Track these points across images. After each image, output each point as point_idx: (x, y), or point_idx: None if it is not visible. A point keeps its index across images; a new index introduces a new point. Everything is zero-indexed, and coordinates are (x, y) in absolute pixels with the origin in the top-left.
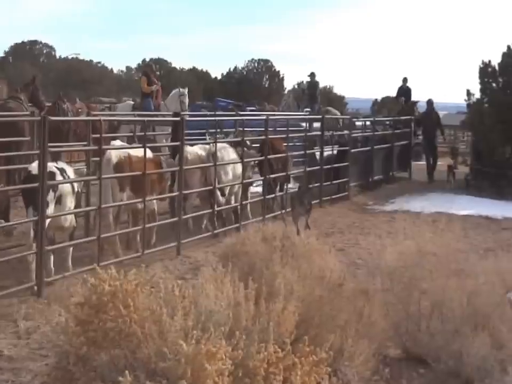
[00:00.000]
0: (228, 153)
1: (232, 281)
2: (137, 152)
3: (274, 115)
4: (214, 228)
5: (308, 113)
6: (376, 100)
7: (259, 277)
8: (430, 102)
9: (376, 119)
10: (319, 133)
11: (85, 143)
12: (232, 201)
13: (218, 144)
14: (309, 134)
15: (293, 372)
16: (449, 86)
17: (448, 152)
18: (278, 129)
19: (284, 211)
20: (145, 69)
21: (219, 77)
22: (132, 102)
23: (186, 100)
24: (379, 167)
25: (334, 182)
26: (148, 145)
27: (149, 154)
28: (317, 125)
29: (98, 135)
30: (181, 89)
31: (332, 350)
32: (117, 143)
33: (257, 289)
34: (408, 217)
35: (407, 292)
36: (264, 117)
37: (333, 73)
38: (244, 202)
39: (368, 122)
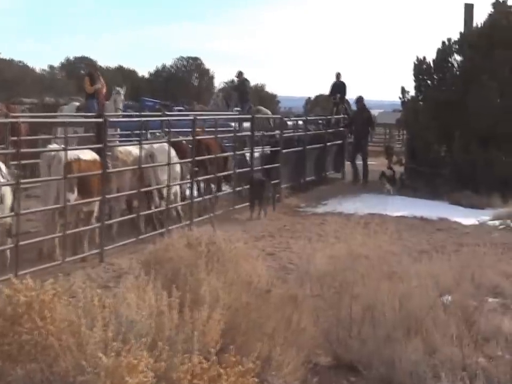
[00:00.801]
0: (166, 152)
1: (155, 289)
2: (85, 154)
3: (202, 115)
4: (152, 229)
5: (237, 112)
6: (309, 98)
7: (183, 284)
8: (360, 99)
9: (308, 118)
10: (249, 133)
11: (2, 145)
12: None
13: (156, 144)
14: (238, 134)
15: (219, 383)
16: (384, 83)
17: (383, 152)
18: (207, 129)
19: (212, 214)
20: (89, 68)
21: (146, 76)
22: (77, 103)
23: (120, 99)
24: (311, 168)
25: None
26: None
27: (95, 156)
28: (247, 124)
29: (16, 138)
30: (116, 88)
31: (259, 359)
32: (53, 146)
33: (181, 297)
34: (340, 220)
35: (338, 297)
36: (192, 117)
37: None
38: (175, 205)
39: (300, 122)
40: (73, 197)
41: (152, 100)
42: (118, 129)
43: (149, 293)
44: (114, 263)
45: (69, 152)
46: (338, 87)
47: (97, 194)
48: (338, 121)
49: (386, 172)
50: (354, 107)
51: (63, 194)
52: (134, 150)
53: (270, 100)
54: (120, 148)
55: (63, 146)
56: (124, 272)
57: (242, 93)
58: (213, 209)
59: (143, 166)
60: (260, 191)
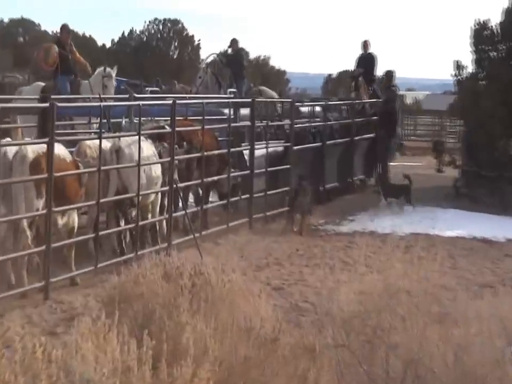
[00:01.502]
0: (142, 148)
1: (120, 337)
2: (57, 149)
3: (185, 98)
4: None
5: (232, 95)
6: (329, 76)
7: (159, 331)
8: (389, 75)
9: (329, 102)
10: (248, 123)
11: None
12: (149, 216)
13: (129, 137)
14: (234, 124)
15: None
16: (432, 57)
17: (431, 149)
18: (191, 118)
19: (198, 234)
20: (60, 32)
21: (108, 45)
22: (42, 84)
23: (112, 84)
24: (333, 171)
25: (270, 192)
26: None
27: (64, 152)
28: (245, 111)
29: None
30: (106, 69)
31: None
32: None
33: (156, 347)
34: (372, 241)
35: (370, 347)
36: (170, 101)
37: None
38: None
39: (318, 108)
40: (40, 205)
41: (116, 78)
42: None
43: (112, 341)
44: (64, 300)
45: (34, 146)
46: (365, 61)
47: (75, 203)
48: (366, 107)
49: (385, 178)
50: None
51: (30, 202)
52: (107, 144)
53: (276, 78)
54: (89, 142)
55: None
56: (78, 314)
57: (237, 68)
58: (199, 226)
59: (105, 166)
60: (303, 200)
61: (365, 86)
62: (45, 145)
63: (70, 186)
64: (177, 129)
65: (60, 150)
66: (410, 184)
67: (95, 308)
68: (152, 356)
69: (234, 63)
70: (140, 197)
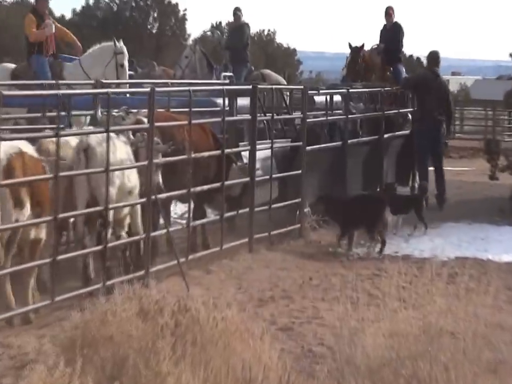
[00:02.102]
0: (114, 148)
1: None
2: (25, 145)
3: (167, 85)
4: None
5: (228, 80)
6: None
7: (133, 383)
8: (433, 57)
9: (351, 89)
10: (248, 116)
11: None
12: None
13: (98, 134)
14: (229, 118)
15: None
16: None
17: (482, 149)
18: (175, 110)
19: (183, 259)
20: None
21: (68, 16)
22: (11, 65)
23: (126, 63)
24: (357, 178)
25: (276, 205)
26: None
27: (31, 151)
28: (244, 102)
29: None
30: (117, 44)
31: None
32: None
33: None
34: (407, 268)
35: None
36: (148, 89)
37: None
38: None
39: (337, 97)
40: (23, 216)
41: (76, 57)
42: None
43: None
44: (12, 344)
45: (6, 148)
46: (387, 34)
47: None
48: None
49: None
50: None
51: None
52: (75, 141)
53: (284, 59)
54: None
55: None
56: (30, 361)
57: (239, 49)
58: (186, 249)
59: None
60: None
61: (384, 67)
62: (15, 145)
63: (45, 192)
64: (158, 124)
65: (27, 148)
66: (424, 195)
67: (52, 353)
68: None
69: (235, 42)
70: (112, 210)
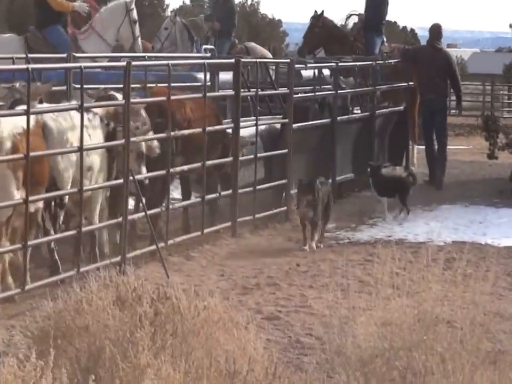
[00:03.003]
0: (70, 125)
1: None
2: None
3: (142, 58)
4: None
5: (210, 54)
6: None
7: (110, 376)
8: (434, 30)
9: (340, 63)
10: (231, 92)
11: None
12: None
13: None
14: (211, 94)
15: None
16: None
17: (480, 126)
18: (152, 85)
19: (162, 244)
20: None
21: None
22: (17, 36)
23: (139, 35)
24: (347, 158)
25: (261, 186)
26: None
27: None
28: (227, 76)
29: None
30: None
31: None
32: None
33: None
34: (401, 253)
35: None
36: (124, 63)
37: None
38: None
39: (326, 71)
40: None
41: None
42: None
43: None
44: None
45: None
46: (371, 2)
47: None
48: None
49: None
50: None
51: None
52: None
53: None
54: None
55: None
56: None
57: (226, 23)
58: (165, 233)
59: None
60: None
61: (356, 37)
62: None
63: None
64: (134, 100)
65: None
66: (412, 179)
67: (23, 345)
68: None
69: (222, 15)
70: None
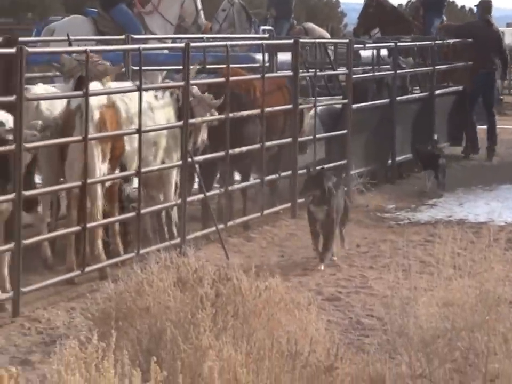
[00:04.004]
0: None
1: (119, 367)
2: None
3: (201, 39)
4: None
5: (268, 35)
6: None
7: (171, 357)
8: (483, 5)
9: (399, 43)
10: (289, 72)
11: None
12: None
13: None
14: (270, 75)
15: None
16: None
17: None
18: (211, 66)
19: (222, 225)
20: None
21: None
22: (86, 18)
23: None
24: (407, 138)
25: (320, 167)
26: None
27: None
28: (285, 57)
29: None
30: None
31: None
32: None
33: (168, 380)
34: (462, 233)
35: (460, 379)
36: (183, 44)
37: None
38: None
39: (384, 51)
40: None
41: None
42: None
43: (108, 373)
44: (40, 318)
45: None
46: None
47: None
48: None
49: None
50: None
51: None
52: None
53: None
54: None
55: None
56: (60, 335)
57: (284, 7)
58: (225, 215)
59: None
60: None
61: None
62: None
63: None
64: (193, 81)
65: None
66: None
67: (84, 327)
68: None
69: (278, 1)
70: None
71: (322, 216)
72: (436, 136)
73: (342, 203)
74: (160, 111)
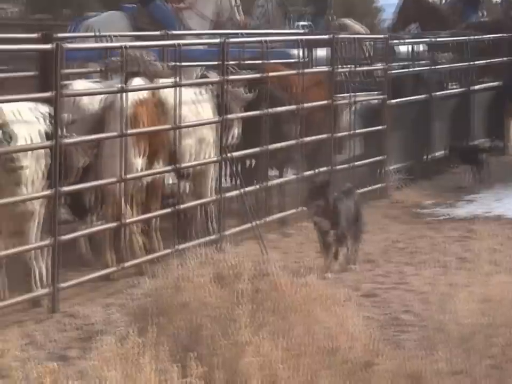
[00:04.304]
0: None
1: (157, 363)
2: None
3: (238, 35)
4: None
5: (305, 30)
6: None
7: (209, 353)
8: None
9: (438, 38)
10: (325, 68)
11: None
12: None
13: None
14: (307, 70)
15: None
16: None
17: None
18: (247, 62)
19: (259, 221)
20: None
21: None
22: (124, 14)
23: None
24: (444, 134)
25: (358, 163)
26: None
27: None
28: (322, 53)
29: None
30: None
31: None
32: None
33: (207, 376)
34: (500, 230)
35: (499, 375)
36: (219, 40)
37: None
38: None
39: (421, 46)
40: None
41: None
42: None
43: (146, 369)
44: (78, 314)
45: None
46: None
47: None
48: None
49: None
50: None
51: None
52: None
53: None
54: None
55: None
56: (97, 331)
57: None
58: (261, 211)
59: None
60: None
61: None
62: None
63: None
64: (231, 77)
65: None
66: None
67: (121, 323)
68: None
69: None
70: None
71: (327, 227)
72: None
73: (350, 215)
74: (203, 107)
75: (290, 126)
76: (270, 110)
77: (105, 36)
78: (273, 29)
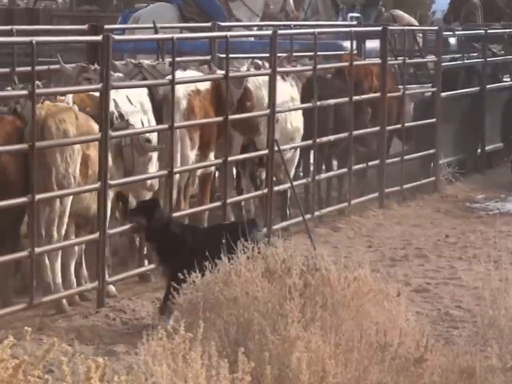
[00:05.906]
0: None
1: (206, 358)
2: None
3: (287, 27)
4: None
5: (356, 22)
6: None
7: (259, 349)
8: None
9: (489, 30)
10: (377, 60)
11: None
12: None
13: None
14: (358, 63)
15: None
16: None
17: None
18: (296, 54)
19: (308, 215)
20: None
21: None
22: (171, 5)
23: None
24: (497, 126)
25: (409, 156)
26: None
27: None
28: (373, 45)
29: None
30: None
31: None
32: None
33: (256, 372)
34: None
35: None
36: (270, 32)
37: None
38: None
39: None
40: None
41: None
42: None
43: (195, 364)
44: (125, 308)
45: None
46: None
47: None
48: None
49: None
50: None
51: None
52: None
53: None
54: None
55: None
56: (145, 326)
57: None
58: (311, 204)
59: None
60: None
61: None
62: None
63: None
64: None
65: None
66: None
67: (170, 317)
68: (250, 383)
69: None
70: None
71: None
72: None
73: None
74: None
75: (367, 115)
76: (356, 98)
77: (153, 28)
78: (321, 21)
